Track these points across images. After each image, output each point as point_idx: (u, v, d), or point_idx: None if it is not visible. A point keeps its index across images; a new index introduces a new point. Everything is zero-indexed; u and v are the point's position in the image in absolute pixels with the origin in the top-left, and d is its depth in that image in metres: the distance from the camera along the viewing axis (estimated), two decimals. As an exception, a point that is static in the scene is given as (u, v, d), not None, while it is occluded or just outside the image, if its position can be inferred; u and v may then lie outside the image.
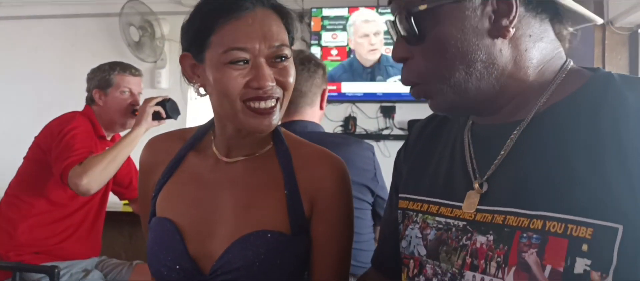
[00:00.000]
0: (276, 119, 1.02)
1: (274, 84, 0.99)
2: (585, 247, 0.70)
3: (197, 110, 3.86)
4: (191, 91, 1.07)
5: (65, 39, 4.17)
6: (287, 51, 1.01)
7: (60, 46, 4.17)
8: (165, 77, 4.03)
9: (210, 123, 1.14)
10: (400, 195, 1.00)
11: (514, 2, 0.80)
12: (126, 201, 2.87)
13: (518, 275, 0.75)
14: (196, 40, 1.01)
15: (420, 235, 0.91)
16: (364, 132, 3.97)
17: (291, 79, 1.02)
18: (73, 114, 2.36)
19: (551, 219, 0.74)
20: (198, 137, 1.14)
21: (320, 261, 1.07)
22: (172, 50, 4.00)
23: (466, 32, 0.80)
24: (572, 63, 0.87)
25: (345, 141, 1.87)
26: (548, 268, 0.72)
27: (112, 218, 2.59)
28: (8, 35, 4.22)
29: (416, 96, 0.89)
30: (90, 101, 2.46)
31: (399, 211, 0.99)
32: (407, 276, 0.93)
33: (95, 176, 2.06)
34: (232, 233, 1.02)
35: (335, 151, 1.78)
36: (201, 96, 1.06)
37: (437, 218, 0.89)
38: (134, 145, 2.24)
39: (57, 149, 2.19)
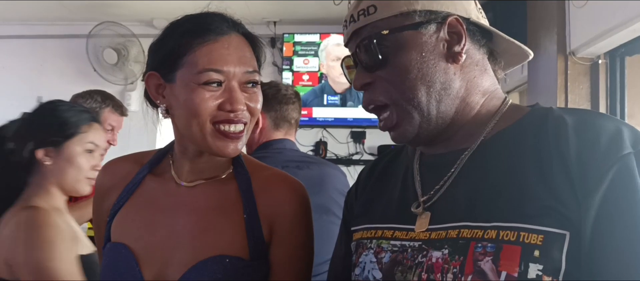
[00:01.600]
0: (242, 144, 1.02)
1: (245, 108, 0.99)
2: (537, 253, 0.75)
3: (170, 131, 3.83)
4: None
5: (33, 60, 4.12)
6: (257, 77, 1.03)
7: (28, 67, 4.11)
8: (135, 100, 4.00)
9: (169, 146, 1.12)
10: (353, 229, 1.01)
11: (462, 30, 0.87)
12: (90, 225, 2.82)
13: None
14: (168, 59, 1.00)
15: (374, 260, 0.92)
16: (335, 157, 3.99)
17: (259, 106, 1.03)
18: None
19: (504, 229, 0.77)
20: (156, 160, 1.11)
21: None
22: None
23: (425, 55, 0.86)
24: (511, 100, 0.94)
25: (319, 161, 1.91)
26: (503, 274, 0.76)
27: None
28: (-26, 55, 4.15)
29: (384, 127, 0.92)
30: None
31: (353, 243, 1.00)
32: None
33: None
34: (190, 259, 0.99)
35: (311, 168, 1.79)
36: (165, 117, 1.05)
37: (392, 242, 0.91)
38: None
39: None
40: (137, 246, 1.02)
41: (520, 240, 0.76)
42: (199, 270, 0.98)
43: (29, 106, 1.64)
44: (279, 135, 1.92)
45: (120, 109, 2.48)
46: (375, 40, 0.87)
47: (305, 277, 1.08)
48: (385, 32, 0.86)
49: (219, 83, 0.98)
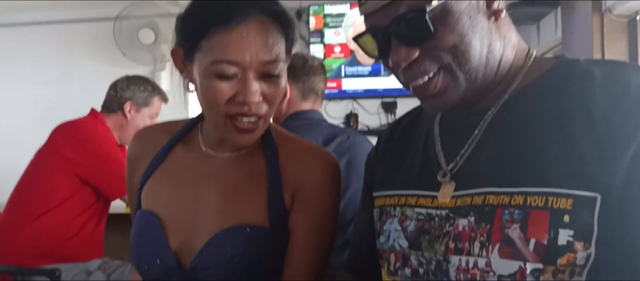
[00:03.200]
0: (258, 134, 1.00)
1: (260, 99, 0.96)
2: (566, 218, 0.72)
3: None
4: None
5: (63, 44, 4.18)
6: (279, 67, 0.97)
7: (58, 52, 4.17)
8: (165, 80, 4.03)
9: (199, 117, 1.13)
10: (375, 194, 1.00)
11: None
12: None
13: (503, 252, 0.75)
14: (188, 39, 0.98)
15: (399, 228, 0.91)
16: (366, 129, 3.96)
17: (279, 94, 0.99)
18: (94, 125, 2.40)
19: (532, 194, 0.75)
20: (186, 130, 1.12)
21: (294, 252, 1.02)
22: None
23: (473, 16, 0.82)
24: (535, 52, 0.90)
25: (348, 132, 1.91)
26: (532, 241, 0.73)
27: (114, 220, 2.59)
28: (6, 43, 4.22)
29: (424, 95, 0.86)
30: (115, 107, 2.47)
31: (376, 210, 0.99)
32: (387, 271, 0.92)
33: None
34: (213, 228, 1.00)
35: (339, 140, 1.78)
36: (189, 91, 1.04)
37: (417, 210, 0.89)
38: None
39: (105, 175, 2.32)
40: (164, 215, 1.04)
41: (549, 205, 0.73)
42: (220, 239, 0.99)
43: (64, 91, 1.69)
44: (306, 106, 1.91)
45: (165, 97, 2.58)
46: (423, 12, 0.79)
47: (324, 248, 1.05)
48: (434, 1, 0.80)
49: (234, 75, 0.94)
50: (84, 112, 2.47)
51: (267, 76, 0.97)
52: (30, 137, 2.41)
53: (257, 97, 0.95)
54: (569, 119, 0.76)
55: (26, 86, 4.15)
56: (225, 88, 0.94)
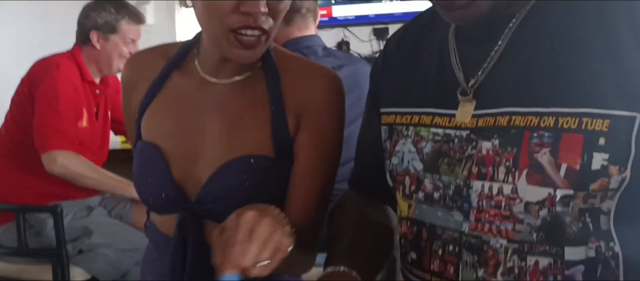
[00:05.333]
0: (261, 50, 0.96)
1: (266, 11, 0.91)
2: (602, 141, 0.67)
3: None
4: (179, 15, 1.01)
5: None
6: None
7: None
8: (151, 13, 3.92)
9: (195, 39, 1.07)
10: (383, 110, 0.94)
11: None
12: (123, 138, 2.85)
13: (531, 178, 0.71)
14: None
15: (413, 150, 0.86)
16: (358, 56, 3.91)
17: (283, 8, 0.95)
18: (58, 60, 2.26)
19: (564, 115, 0.69)
20: (181, 54, 1.07)
21: (300, 173, 1.01)
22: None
23: None
24: None
25: (352, 59, 1.85)
26: (563, 167, 0.69)
27: (112, 156, 2.55)
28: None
29: (451, 7, 0.77)
30: (82, 40, 2.32)
31: (384, 127, 0.93)
32: (402, 194, 0.89)
33: (70, 175, 2.17)
34: (217, 159, 0.99)
35: (343, 68, 1.73)
36: (187, 7, 0.99)
37: (433, 130, 0.84)
38: (115, 192, 2.29)
39: (41, 112, 2.16)
40: (166, 145, 1.02)
41: (583, 126, 0.68)
42: (224, 171, 0.98)
43: (44, 26, 1.62)
44: (294, 32, 1.82)
45: (136, 17, 2.36)
46: None
47: (333, 166, 1.04)
48: None
49: None
50: (65, 48, 2.37)
51: None
52: (13, 75, 2.34)
53: (262, 7, 0.90)
54: (610, 26, 0.69)
55: (6, 22, 4.01)
56: None
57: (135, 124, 1.08)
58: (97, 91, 2.39)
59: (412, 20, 0.99)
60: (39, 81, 2.20)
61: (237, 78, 1.03)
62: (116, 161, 2.50)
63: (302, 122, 1.01)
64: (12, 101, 2.32)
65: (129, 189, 2.25)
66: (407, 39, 0.97)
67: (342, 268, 0.85)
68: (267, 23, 0.92)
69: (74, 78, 2.25)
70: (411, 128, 0.88)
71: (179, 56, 1.07)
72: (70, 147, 2.19)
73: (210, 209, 0.99)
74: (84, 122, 2.29)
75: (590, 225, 0.72)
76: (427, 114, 0.86)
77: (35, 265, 2.23)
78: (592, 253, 0.72)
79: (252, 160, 0.98)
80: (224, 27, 0.91)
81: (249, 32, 0.91)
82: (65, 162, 2.16)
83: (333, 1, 3.86)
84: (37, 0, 3.99)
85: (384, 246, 0.99)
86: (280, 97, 1.00)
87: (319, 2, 3.71)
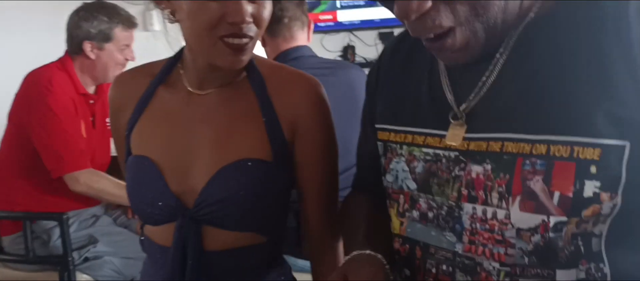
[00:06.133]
0: (248, 55, 0.99)
1: (251, 21, 0.94)
2: (593, 169, 0.67)
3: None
4: None
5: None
6: None
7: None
8: (157, 19, 3.94)
9: (178, 55, 1.10)
10: (378, 126, 0.95)
11: None
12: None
13: (524, 205, 0.71)
14: None
15: (407, 169, 0.87)
16: (364, 61, 3.91)
17: (266, 15, 0.98)
18: (49, 75, 2.16)
19: (556, 143, 0.69)
20: (166, 70, 1.09)
21: (308, 185, 1.08)
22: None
23: None
24: None
25: (344, 64, 1.83)
26: (556, 194, 0.69)
27: (115, 163, 2.56)
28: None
29: (442, 51, 0.77)
30: (75, 50, 2.25)
31: (380, 143, 0.94)
32: (396, 212, 0.90)
33: (94, 193, 2.20)
34: (212, 166, 1.00)
35: (336, 74, 1.73)
36: (171, 22, 1.01)
37: (424, 150, 0.84)
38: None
39: (46, 136, 2.12)
40: (158, 158, 1.03)
41: (574, 155, 0.68)
42: (223, 174, 0.99)
43: (56, 37, 1.58)
44: (281, 44, 1.78)
45: (129, 22, 2.30)
46: None
47: (333, 173, 1.09)
48: None
49: None
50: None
51: None
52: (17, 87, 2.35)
53: (248, 16, 0.93)
54: (602, 55, 0.68)
55: (15, 35, 4.04)
56: (215, 6, 0.92)
57: (124, 141, 1.10)
58: (91, 101, 2.35)
59: (404, 34, 0.97)
60: (35, 104, 2.15)
61: (223, 89, 1.04)
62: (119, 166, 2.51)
63: (298, 133, 1.04)
64: (10, 117, 2.27)
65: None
66: (400, 51, 0.97)
67: (368, 251, 0.85)
68: (252, 30, 0.96)
69: (68, 91, 2.20)
70: (405, 147, 0.88)
71: (163, 72, 1.09)
72: (87, 164, 2.18)
73: (209, 214, 1.00)
74: (83, 133, 2.26)
75: (582, 248, 0.72)
76: (420, 134, 0.86)
77: (42, 272, 2.25)
78: (582, 275, 0.72)
79: (249, 163, 1.00)
80: (211, 36, 0.94)
81: (236, 40, 0.95)
82: (88, 181, 2.16)
83: (338, 6, 3.86)
84: (46, 11, 4.03)
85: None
86: (271, 105, 1.03)
87: (323, 7, 3.72)
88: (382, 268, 0.83)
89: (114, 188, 2.19)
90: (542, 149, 0.70)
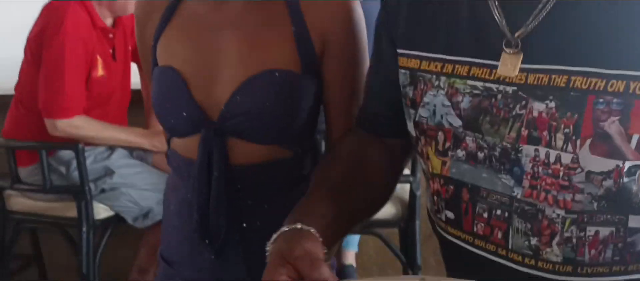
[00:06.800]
0: None
1: None
2: None
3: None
4: None
5: None
6: None
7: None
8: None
9: None
10: (401, 51, 0.84)
11: None
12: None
13: (595, 148, 0.65)
14: None
15: (448, 103, 0.77)
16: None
17: None
18: (65, 8, 2.14)
19: (636, 79, 0.61)
20: None
21: (334, 101, 1.04)
22: None
23: None
24: None
25: None
26: (635, 138, 0.63)
27: (134, 96, 2.49)
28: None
29: None
30: None
31: (403, 71, 0.83)
32: (436, 150, 0.81)
33: (85, 136, 2.19)
34: (238, 76, 0.98)
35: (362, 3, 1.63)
36: None
37: (469, 82, 0.74)
38: (131, 145, 2.28)
39: (46, 75, 2.13)
40: (184, 68, 1.00)
41: None
42: (248, 86, 0.97)
43: None
44: None
45: None
46: None
47: (359, 96, 1.02)
48: None
49: None
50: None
51: None
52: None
53: None
54: None
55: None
56: None
57: (150, 52, 1.07)
58: (110, 35, 2.30)
59: None
60: (48, 37, 2.14)
61: None
62: (139, 99, 2.47)
63: (330, 49, 1.00)
64: (25, 50, 2.27)
65: (144, 141, 2.27)
66: None
67: (299, 226, 0.72)
68: None
69: (83, 28, 2.18)
70: (443, 78, 0.78)
71: None
72: (76, 112, 2.16)
73: (234, 126, 0.98)
74: (99, 71, 2.23)
75: None
76: (462, 63, 0.76)
77: (60, 202, 2.26)
78: None
79: (276, 74, 0.97)
80: None
81: None
82: (68, 129, 2.16)
83: None
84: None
85: (374, 197, 0.91)
86: (301, 16, 0.99)
87: None
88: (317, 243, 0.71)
89: (102, 131, 2.23)
90: (620, 86, 0.63)
